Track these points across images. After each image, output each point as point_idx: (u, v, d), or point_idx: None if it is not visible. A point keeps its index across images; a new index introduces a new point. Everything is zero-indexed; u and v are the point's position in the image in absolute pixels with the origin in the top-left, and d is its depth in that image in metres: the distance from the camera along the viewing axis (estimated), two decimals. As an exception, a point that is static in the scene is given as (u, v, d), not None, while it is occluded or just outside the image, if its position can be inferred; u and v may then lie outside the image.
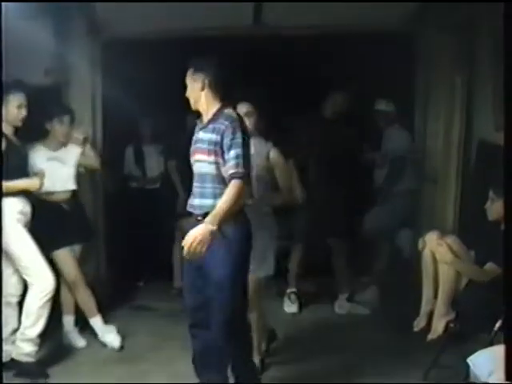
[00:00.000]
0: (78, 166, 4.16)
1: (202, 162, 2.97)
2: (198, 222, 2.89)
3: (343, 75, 5.23)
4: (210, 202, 2.92)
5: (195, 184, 3.04)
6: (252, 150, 3.08)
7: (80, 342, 4.15)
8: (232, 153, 2.86)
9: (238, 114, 3.02)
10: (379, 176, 5.09)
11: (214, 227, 2.81)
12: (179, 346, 3.78)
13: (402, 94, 5.01)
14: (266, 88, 5.02)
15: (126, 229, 5.23)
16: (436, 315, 3.87)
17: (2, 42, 3.03)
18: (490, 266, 3.46)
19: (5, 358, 3.65)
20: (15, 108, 3.62)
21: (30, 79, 4.06)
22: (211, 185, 2.95)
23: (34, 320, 3.60)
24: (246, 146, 2.91)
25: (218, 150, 2.90)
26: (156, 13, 4.34)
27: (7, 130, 3.63)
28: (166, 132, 5.41)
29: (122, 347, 4.08)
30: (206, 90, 2.97)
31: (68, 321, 4.18)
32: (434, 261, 3.93)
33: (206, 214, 2.88)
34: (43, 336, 3.72)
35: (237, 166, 2.86)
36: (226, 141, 2.87)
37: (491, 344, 3.04)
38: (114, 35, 4.62)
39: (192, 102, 3.04)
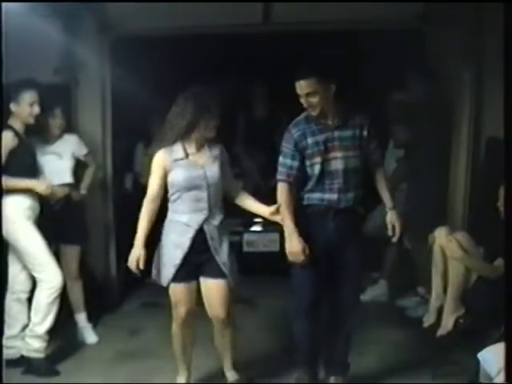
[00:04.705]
0: (73, 157, 4.12)
1: (343, 159, 3.10)
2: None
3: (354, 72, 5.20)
4: (353, 195, 3.16)
5: (336, 181, 3.11)
6: None
7: (92, 338, 4.17)
8: (375, 143, 3.23)
9: None
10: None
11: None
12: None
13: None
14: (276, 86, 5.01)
15: (135, 226, 5.22)
16: (446, 311, 3.85)
17: (3, 42, 3.04)
18: (499, 262, 3.45)
19: (15, 355, 3.70)
20: (28, 105, 3.64)
21: (40, 78, 4.07)
22: (355, 178, 3.15)
23: (42, 316, 3.62)
24: None
25: (362, 143, 3.17)
26: (165, 10, 4.35)
27: (19, 127, 3.65)
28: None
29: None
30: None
31: (81, 317, 4.19)
32: (444, 257, 3.91)
33: (348, 208, 3.15)
34: (52, 332, 3.74)
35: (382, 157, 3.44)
36: (366, 134, 3.15)
37: (501, 340, 3.02)
38: (123, 33, 4.62)
39: (320, 107, 3.04)
